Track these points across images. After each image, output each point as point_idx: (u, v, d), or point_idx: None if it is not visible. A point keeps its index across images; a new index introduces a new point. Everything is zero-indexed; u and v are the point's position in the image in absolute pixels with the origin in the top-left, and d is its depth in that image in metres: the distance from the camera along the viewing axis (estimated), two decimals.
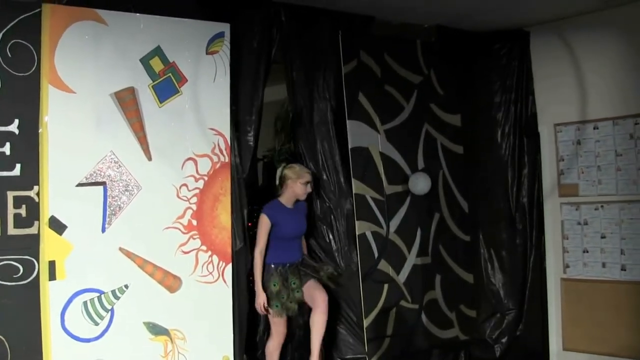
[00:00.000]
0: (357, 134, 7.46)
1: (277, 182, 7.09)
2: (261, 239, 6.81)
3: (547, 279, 8.40)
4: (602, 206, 7.92)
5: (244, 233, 6.70)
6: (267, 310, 6.75)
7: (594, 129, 7.98)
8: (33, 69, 5.61)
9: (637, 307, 7.60)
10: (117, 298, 5.90)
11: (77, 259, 5.74)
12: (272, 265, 6.85)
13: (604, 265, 7.91)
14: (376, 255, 7.53)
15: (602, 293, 7.89)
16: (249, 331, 6.75)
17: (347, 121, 7.37)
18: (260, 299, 6.70)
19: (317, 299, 6.80)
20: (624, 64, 7.74)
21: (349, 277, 7.33)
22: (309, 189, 7.03)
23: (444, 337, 8.01)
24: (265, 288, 6.74)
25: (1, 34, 5.48)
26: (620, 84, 7.77)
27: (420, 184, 7.79)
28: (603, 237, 7.84)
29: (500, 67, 8.53)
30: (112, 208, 5.91)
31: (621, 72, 7.76)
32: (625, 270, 7.72)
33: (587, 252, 8.05)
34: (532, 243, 8.41)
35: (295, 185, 6.96)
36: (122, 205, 5.95)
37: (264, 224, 6.82)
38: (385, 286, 7.54)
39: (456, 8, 7.54)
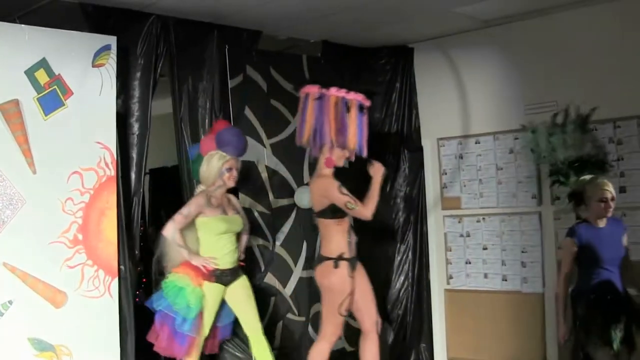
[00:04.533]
0: None
1: (570, 200, 6.31)
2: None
3: (432, 290, 8.57)
4: (483, 218, 8.11)
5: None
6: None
7: (476, 143, 8.19)
8: None
9: (517, 316, 7.81)
10: (1, 314, 5.75)
11: None
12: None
13: (485, 275, 8.10)
14: (262, 268, 7.55)
15: (485, 303, 8.09)
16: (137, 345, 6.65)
17: None
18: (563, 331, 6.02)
19: None
20: (503, 80, 7.98)
21: None
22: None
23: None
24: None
25: None
26: (500, 100, 8.00)
27: (305, 197, 7.83)
28: (485, 248, 8.03)
29: (385, 82, 8.68)
30: None
31: (501, 88, 8.00)
32: (506, 280, 7.92)
33: (470, 263, 8.24)
34: (415, 255, 8.55)
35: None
36: (5, 219, 5.80)
37: None
38: (272, 299, 7.57)
39: (342, 24, 7.64)
